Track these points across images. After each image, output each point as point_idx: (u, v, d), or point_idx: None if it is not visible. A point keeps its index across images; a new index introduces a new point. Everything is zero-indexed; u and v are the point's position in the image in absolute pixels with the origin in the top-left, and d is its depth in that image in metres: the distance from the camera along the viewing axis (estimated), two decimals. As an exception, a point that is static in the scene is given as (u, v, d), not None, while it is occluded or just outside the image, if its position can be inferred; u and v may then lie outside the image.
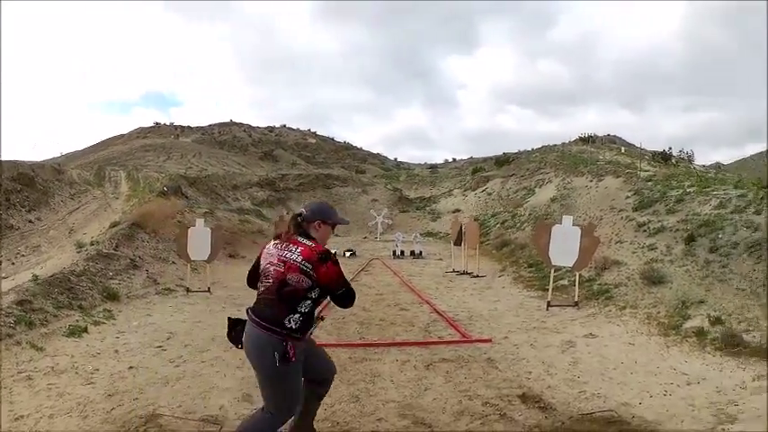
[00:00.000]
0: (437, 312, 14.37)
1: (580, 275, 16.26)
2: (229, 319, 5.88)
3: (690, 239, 17.00)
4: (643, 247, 18.52)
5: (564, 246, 15.42)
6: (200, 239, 17.87)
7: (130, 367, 9.51)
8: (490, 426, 7.23)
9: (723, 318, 11.85)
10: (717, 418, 7.51)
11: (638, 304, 14.05)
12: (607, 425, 7.32)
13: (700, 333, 11.34)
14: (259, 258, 5.82)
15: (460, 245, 24.18)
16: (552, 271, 15.96)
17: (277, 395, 5.55)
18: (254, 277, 5.95)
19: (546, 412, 7.73)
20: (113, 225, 23.18)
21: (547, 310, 14.89)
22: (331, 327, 12.56)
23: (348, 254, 29.03)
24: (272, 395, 5.57)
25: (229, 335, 5.83)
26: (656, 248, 17.89)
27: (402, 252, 29.39)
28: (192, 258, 17.82)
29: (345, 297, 5.65)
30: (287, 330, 5.35)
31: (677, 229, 18.58)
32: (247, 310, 5.64)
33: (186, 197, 36.93)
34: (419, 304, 15.67)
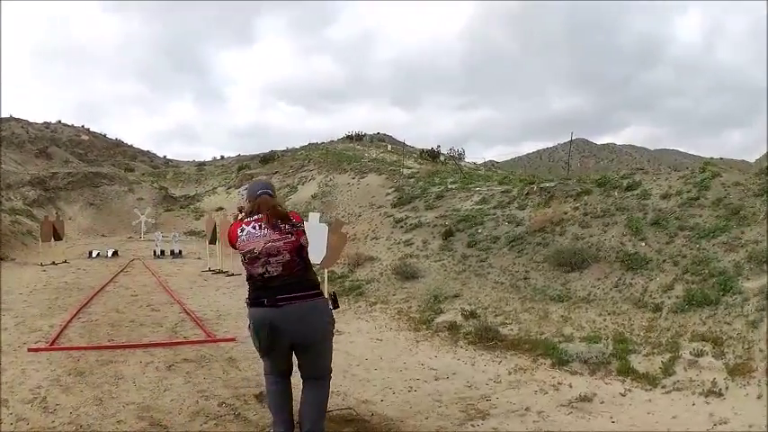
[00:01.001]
0: (186, 312, 13.83)
1: (332, 272, 15.96)
2: (263, 334, 5.58)
3: (448, 234, 17.00)
4: (399, 243, 18.45)
5: (311, 243, 14.69)
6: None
7: None
8: (224, 426, 6.83)
9: (478, 311, 11.65)
10: (466, 413, 7.16)
11: (390, 300, 13.84)
12: (344, 423, 6.89)
13: (452, 327, 11.08)
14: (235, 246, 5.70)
15: (215, 243, 23.40)
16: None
17: (329, 352, 5.96)
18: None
19: (280, 411, 7.27)
20: None
21: (297, 307, 14.25)
22: (83, 329, 11.85)
23: (110, 253, 27.85)
24: (326, 355, 5.93)
25: (269, 344, 5.65)
26: (413, 244, 17.82)
27: (162, 252, 28.58)
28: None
29: None
30: (319, 287, 5.82)
31: (435, 225, 18.60)
32: (268, 301, 5.52)
33: (-38, 198, 34.64)
34: (171, 304, 15.02)
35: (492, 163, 75.47)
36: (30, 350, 9.99)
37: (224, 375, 8.80)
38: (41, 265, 23.20)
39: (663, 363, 8.36)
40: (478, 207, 18.95)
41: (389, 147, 60.28)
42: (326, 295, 6.10)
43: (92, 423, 6.81)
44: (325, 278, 14.64)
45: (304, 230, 5.67)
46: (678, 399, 7.43)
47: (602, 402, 7.42)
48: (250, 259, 5.48)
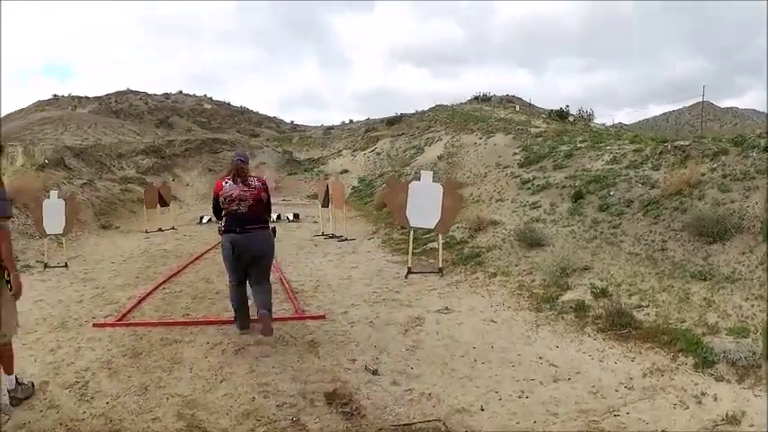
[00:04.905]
0: (282, 282, 12.66)
1: (451, 237, 14.92)
2: (230, 249, 8.55)
3: (577, 197, 15.48)
4: (525, 206, 16.97)
5: (424, 205, 13.50)
6: (53, 212, 16.34)
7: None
8: (273, 436, 5.58)
9: (610, 289, 9.97)
10: (586, 437, 5.60)
11: (511, 271, 12.27)
12: (428, 440, 5.39)
13: (579, 308, 9.42)
14: (217, 197, 8.63)
15: (328, 206, 22.38)
16: (412, 233, 14.14)
17: (269, 265, 8.95)
18: (218, 209, 8.71)
19: (351, 420, 5.95)
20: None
21: (406, 278, 13.00)
22: (162, 302, 11.33)
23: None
24: (268, 267, 8.87)
25: (236, 256, 8.56)
26: (540, 207, 16.35)
27: (279, 216, 27.30)
28: (48, 232, 16.33)
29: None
30: (267, 224, 8.77)
31: (564, 186, 17.10)
32: (237, 229, 8.42)
33: (70, 168, 34.57)
34: (267, 273, 13.82)
35: (620, 125, 73.75)
36: (94, 325, 9.65)
37: (297, 364, 7.64)
38: (146, 231, 22.97)
39: (830, 371, 6.53)
40: (609, 167, 17.29)
41: (518, 107, 58.82)
42: (271, 228, 8.93)
43: (124, 418, 6.18)
44: (440, 245, 13.50)
45: (265, 189, 8.68)
46: None
47: (752, 426, 5.72)
48: (229, 201, 8.41)
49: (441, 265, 13.24)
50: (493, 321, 9.48)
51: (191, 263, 15.36)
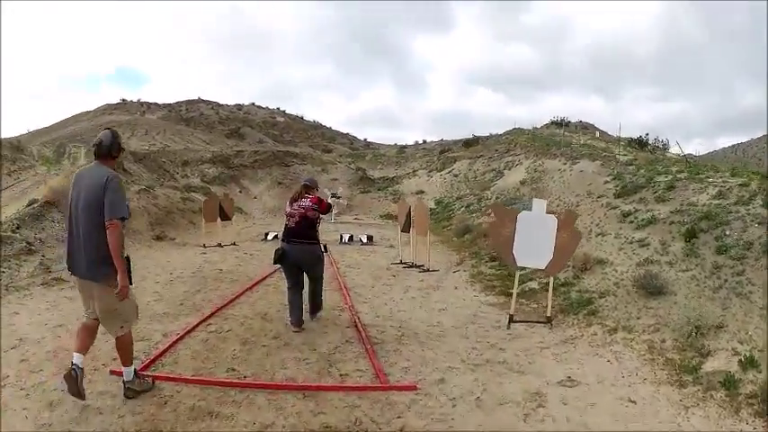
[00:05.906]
0: (356, 328, 10.77)
1: (554, 279, 12.63)
2: (278, 255, 10.72)
3: (690, 235, 13.59)
4: (632, 243, 15.07)
5: (534, 240, 11.69)
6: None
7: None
8: None
9: (755, 355, 8.12)
10: None
11: (634, 325, 10.41)
12: None
13: (729, 383, 7.62)
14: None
15: (410, 231, 20.48)
16: (517, 274, 12.32)
17: (321, 269, 11.23)
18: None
19: None
20: (30, 204, 20.22)
21: (508, 328, 11.25)
22: (204, 345, 9.43)
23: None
24: (320, 271, 11.19)
25: (280, 261, 10.74)
26: (649, 245, 14.43)
27: (351, 237, 26.19)
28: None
29: (329, 211, 11.94)
30: (317, 239, 10.92)
31: (672, 222, 15.20)
32: (286, 241, 10.68)
33: (129, 173, 33.37)
34: (339, 311, 12.15)
35: (690, 156, 72.91)
36: (112, 372, 7.88)
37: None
38: (204, 246, 21.75)
39: None
40: (717, 202, 15.47)
41: (597, 133, 58.04)
42: (322, 245, 11.12)
43: None
44: (550, 289, 11.71)
45: (314, 209, 10.61)
46: None
47: None
48: (286, 216, 10.83)
49: (549, 314, 11.51)
50: (631, 401, 7.64)
51: (247, 289, 13.76)
